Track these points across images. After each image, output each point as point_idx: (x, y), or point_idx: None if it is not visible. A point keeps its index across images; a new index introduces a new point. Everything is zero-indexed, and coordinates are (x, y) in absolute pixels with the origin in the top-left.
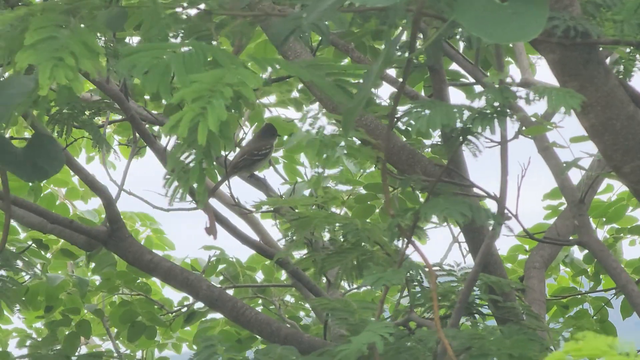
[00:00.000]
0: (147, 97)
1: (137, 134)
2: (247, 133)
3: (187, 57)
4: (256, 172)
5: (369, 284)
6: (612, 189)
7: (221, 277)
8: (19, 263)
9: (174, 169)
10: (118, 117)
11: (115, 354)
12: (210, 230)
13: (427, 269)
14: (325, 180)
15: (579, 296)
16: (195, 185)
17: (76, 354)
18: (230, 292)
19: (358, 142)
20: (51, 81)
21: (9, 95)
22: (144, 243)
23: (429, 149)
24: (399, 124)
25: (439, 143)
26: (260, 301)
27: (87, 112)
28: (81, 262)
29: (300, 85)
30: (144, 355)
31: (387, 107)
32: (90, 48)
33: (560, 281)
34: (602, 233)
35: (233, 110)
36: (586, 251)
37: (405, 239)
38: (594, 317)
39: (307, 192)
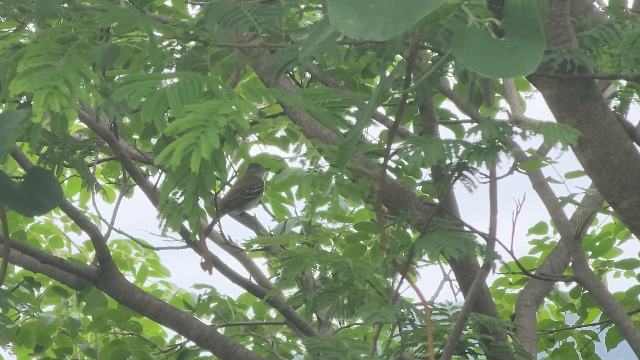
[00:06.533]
0: (135, 136)
1: (126, 173)
2: (236, 172)
3: (182, 87)
4: (246, 211)
5: (364, 320)
6: (597, 222)
7: (213, 316)
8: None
9: (167, 200)
10: (107, 156)
11: None
12: (206, 266)
13: (421, 306)
14: (316, 217)
15: (565, 330)
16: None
17: None
18: (222, 330)
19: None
20: (45, 108)
21: (7, 129)
22: (139, 271)
23: (419, 187)
24: (390, 162)
25: (429, 181)
26: (251, 338)
27: (77, 151)
28: (72, 301)
29: (285, 127)
30: None
31: (377, 145)
32: (85, 76)
33: (543, 315)
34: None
35: (226, 142)
36: (573, 285)
37: (399, 275)
38: (580, 351)
39: (296, 229)
